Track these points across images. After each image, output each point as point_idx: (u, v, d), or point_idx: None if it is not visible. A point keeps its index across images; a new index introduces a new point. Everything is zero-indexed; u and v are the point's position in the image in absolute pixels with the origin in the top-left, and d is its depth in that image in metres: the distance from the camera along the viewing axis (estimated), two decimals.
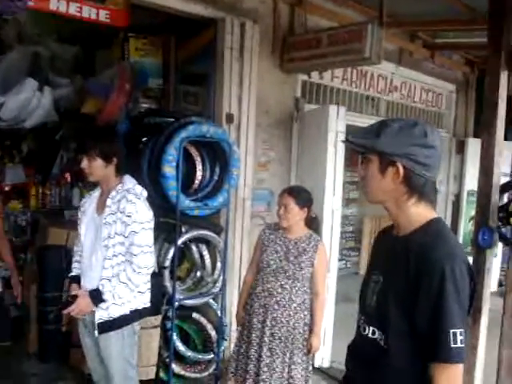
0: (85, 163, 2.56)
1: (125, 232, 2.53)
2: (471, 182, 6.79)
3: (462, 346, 1.37)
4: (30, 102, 4.08)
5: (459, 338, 1.36)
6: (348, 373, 1.75)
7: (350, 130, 4.44)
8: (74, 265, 2.80)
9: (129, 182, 2.65)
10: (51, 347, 4.09)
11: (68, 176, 5.27)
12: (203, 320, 3.98)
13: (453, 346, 1.35)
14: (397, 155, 1.46)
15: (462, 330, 1.37)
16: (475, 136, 7.03)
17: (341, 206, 4.51)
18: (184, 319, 3.92)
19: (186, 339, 3.89)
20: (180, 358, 3.77)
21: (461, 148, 6.86)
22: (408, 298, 1.42)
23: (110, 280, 2.53)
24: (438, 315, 1.36)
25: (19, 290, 3.35)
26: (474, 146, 6.72)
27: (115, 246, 2.54)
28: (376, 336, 1.53)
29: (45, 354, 4.12)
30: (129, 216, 2.51)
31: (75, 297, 2.55)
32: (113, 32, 4.48)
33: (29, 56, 4.24)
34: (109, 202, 2.57)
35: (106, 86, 4.19)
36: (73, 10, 3.26)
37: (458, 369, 1.40)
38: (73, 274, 2.78)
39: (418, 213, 1.51)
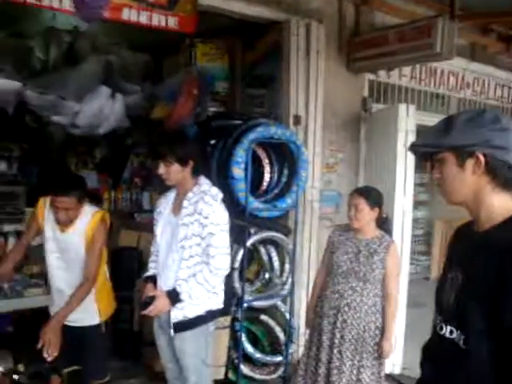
0: (162, 169, 2.58)
1: (202, 233, 2.55)
2: None
3: None
4: (104, 109, 4.25)
5: None
6: (423, 375, 1.67)
7: (420, 129, 4.32)
8: (150, 265, 2.85)
9: (205, 183, 2.67)
10: (124, 345, 4.21)
11: (138, 180, 5.43)
12: (271, 322, 3.98)
13: None
14: (473, 145, 1.39)
15: None
16: None
17: (412, 207, 4.36)
18: (252, 321, 3.94)
19: (254, 341, 3.90)
20: (249, 360, 3.79)
21: None
22: (491, 296, 1.32)
23: (186, 281, 2.56)
24: None
25: None
26: None
27: (192, 247, 2.57)
28: (454, 336, 1.44)
29: (118, 352, 4.25)
30: (206, 217, 2.53)
31: (153, 297, 2.58)
32: (179, 38, 4.59)
33: (102, 65, 4.42)
34: (185, 203, 2.60)
35: (174, 91, 4.29)
36: (143, 18, 3.36)
37: None
38: (149, 273, 2.83)
39: (501, 204, 1.42)
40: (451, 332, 1.45)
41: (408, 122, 4.21)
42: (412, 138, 4.20)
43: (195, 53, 4.53)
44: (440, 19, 3.76)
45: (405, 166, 4.24)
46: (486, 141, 1.38)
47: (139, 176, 5.43)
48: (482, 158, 1.39)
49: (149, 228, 4.47)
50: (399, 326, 4.17)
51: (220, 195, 2.65)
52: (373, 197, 2.97)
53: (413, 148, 1.54)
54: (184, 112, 4.21)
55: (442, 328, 1.49)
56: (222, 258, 2.57)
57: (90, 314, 2.88)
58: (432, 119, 5.20)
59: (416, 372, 3.76)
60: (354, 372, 2.88)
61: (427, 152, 1.49)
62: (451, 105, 5.84)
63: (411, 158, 4.25)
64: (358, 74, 4.68)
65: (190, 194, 2.61)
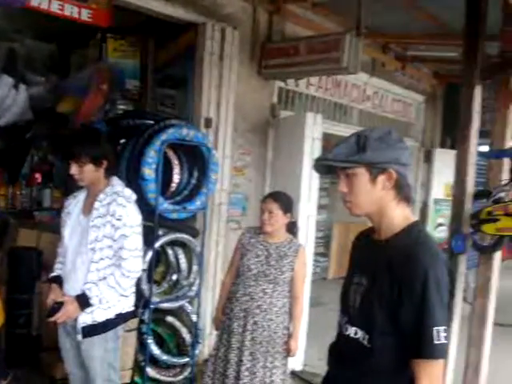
0: (75, 169, 2.49)
1: (114, 235, 2.49)
2: (438, 190, 7.01)
3: (445, 342, 1.44)
4: (5, 100, 3.99)
5: (442, 334, 1.43)
6: (330, 373, 1.79)
7: (325, 137, 4.54)
8: (57, 265, 2.74)
9: (118, 184, 2.61)
10: (20, 352, 3.98)
11: (39, 176, 5.16)
12: (177, 323, 3.97)
13: (436, 342, 1.42)
14: (387, 162, 1.52)
15: (444, 327, 1.44)
16: (442, 146, 7.27)
17: (316, 212, 4.57)
18: (158, 323, 3.90)
19: (160, 343, 3.87)
20: (155, 362, 3.75)
21: (428, 158, 7.07)
22: (392, 299, 1.48)
23: (96, 284, 2.49)
24: (422, 314, 1.43)
25: None
26: (440, 156, 6.96)
27: (103, 249, 2.50)
28: (359, 336, 1.58)
29: (13, 358, 4.00)
30: (119, 219, 2.48)
31: (61, 303, 2.48)
32: (89, 32, 4.44)
33: (4, 52, 4.14)
34: (97, 204, 2.53)
35: (82, 86, 4.14)
36: (55, 7, 3.21)
37: (440, 364, 1.47)
38: (54, 274, 2.71)
39: (400, 216, 1.58)
40: (356, 332, 1.59)
41: (315, 129, 4.41)
42: (318, 146, 4.41)
43: (106, 48, 4.41)
44: (348, 35, 3.98)
45: (310, 172, 4.42)
46: (396, 159, 1.53)
47: (40, 171, 5.15)
48: (394, 174, 1.53)
49: (50, 227, 4.30)
50: (302, 324, 4.35)
51: (133, 197, 2.62)
52: (286, 202, 3.06)
53: (322, 162, 1.60)
54: (92, 108, 4.08)
55: (347, 329, 1.63)
56: (135, 260, 2.53)
57: None
58: (336, 128, 5.52)
59: (316, 368, 3.99)
60: (267, 373, 2.96)
61: (338, 166, 1.57)
62: (353, 115, 6.19)
63: None
64: (268, 80, 4.82)
65: (101, 195, 2.55)
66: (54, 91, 4.44)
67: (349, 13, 4.88)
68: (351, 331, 1.61)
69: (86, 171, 2.51)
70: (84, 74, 4.22)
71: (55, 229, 3.84)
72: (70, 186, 4.49)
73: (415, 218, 1.62)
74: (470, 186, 3.04)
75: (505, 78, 3.33)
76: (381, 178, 1.54)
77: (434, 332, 1.42)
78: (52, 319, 2.49)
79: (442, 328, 1.43)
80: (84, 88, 4.15)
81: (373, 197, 1.56)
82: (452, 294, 1.55)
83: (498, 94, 3.43)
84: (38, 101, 4.39)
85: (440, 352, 1.44)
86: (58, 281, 2.66)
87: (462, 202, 3.03)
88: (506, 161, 3.30)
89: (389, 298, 1.49)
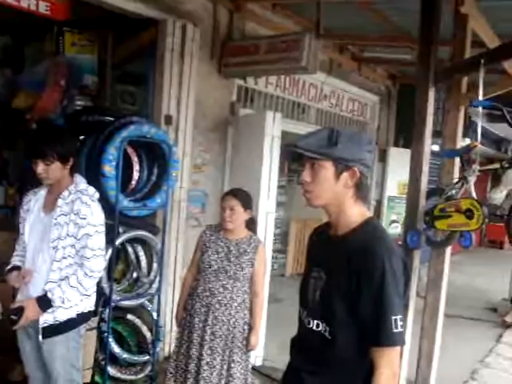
0: (41, 168, 2.43)
1: (77, 234, 2.46)
2: (391, 188, 7.24)
3: (402, 330, 1.52)
4: None
5: (399, 323, 1.51)
6: (292, 365, 1.85)
7: (283, 135, 4.61)
8: (15, 258, 2.66)
9: (81, 182, 2.58)
10: None
11: None
12: (138, 321, 3.95)
13: (394, 330, 1.50)
14: (353, 161, 1.59)
15: (401, 316, 1.52)
16: (395, 145, 7.51)
17: (275, 209, 4.63)
18: (118, 321, 3.87)
19: (120, 341, 3.84)
20: (115, 360, 3.72)
21: (382, 156, 7.28)
22: (351, 291, 1.55)
23: (58, 284, 2.45)
24: (380, 304, 1.50)
25: None
26: (394, 155, 7.19)
27: (65, 248, 2.46)
28: (320, 328, 1.64)
29: None
30: (83, 218, 2.45)
31: (20, 309, 2.41)
32: (46, 24, 4.33)
33: None
34: (60, 202, 2.49)
35: (39, 80, 4.04)
36: None
37: (398, 351, 1.55)
38: (12, 265, 2.63)
39: (357, 213, 1.65)
40: (318, 325, 1.66)
41: (274, 128, 4.47)
42: (278, 144, 4.47)
43: (63, 42, 4.30)
44: (307, 36, 4.07)
45: (269, 169, 4.49)
46: (361, 159, 1.60)
47: None
48: (358, 172, 1.60)
49: (4, 225, 4.18)
50: (262, 320, 4.41)
51: (97, 195, 2.59)
52: (246, 199, 3.11)
53: (293, 148, 1.63)
54: (50, 103, 3.98)
55: (309, 322, 1.70)
56: (98, 260, 2.50)
57: None
58: (294, 126, 5.60)
59: (276, 363, 4.07)
60: (225, 367, 3.01)
61: (306, 156, 1.61)
62: (310, 114, 6.31)
63: (275, 162, 4.52)
64: (228, 78, 4.85)
65: (65, 193, 2.50)
66: (9, 86, 4.30)
67: (308, 14, 4.99)
68: (313, 324, 1.67)
69: (52, 169, 2.46)
70: (40, 69, 4.11)
71: (9, 227, 3.75)
72: (24, 183, 4.39)
73: (370, 214, 1.70)
74: (424, 184, 3.18)
75: (456, 81, 3.48)
76: (345, 175, 1.60)
77: (392, 321, 1.50)
78: (15, 328, 2.44)
79: (398, 317, 1.51)
80: (40, 83, 4.05)
81: (333, 191, 1.62)
82: (407, 286, 1.63)
83: (450, 97, 3.58)
84: None
85: (398, 339, 1.52)
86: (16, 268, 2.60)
87: (417, 200, 3.17)
88: (457, 160, 3.45)
89: (348, 291, 1.56)
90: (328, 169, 1.59)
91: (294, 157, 1.71)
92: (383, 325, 1.50)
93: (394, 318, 1.50)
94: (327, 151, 1.57)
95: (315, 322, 1.66)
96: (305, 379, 1.70)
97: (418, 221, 3.19)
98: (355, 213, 1.65)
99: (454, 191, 3.06)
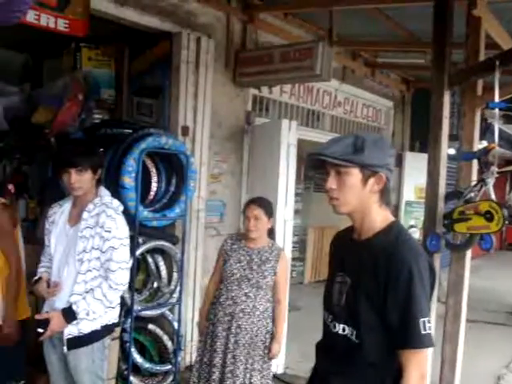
0: (74, 177, 2.47)
1: (102, 247, 2.49)
2: (408, 193, 7.21)
3: (430, 332, 1.52)
4: None
5: (427, 325, 1.51)
6: (318, 370, 1.86)
7: (299, 143, 4.63)
8: (41, 269, 2.70)
9: (106, 195, 2.61)
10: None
11: (12, 187, 5.07)
12: (159, 331, 3.99)
13: (423, 332, 1.50)
14: (380, 166, 1.60)
15: (429, 318, 1.52)
16: (411, 150, 7.48)
17: (292, 216, 4.65)
18: (139, 331, 3.91)
19: (142, 351, 3.87)
20: (137, 370, 3.76)
21: (398, 161, 7.25)
22: (378, 295, 1.56)
23: (83, 296, 2.47)
24: (409, 307, 1.51)
25: None
26: (410, 160, 7.16)
27: (91, 260, 2.49)
28: (346, 332, 1.65)
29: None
30: (108, 231, 2.48)
31: (46, 321, 2.44)
32: (63, 41, 4.43)
33: None
34: (85, 215, 2.52)
35: (58, 95, 4.12)
36: (31, 17, 3.20)
37: (427, 354, 1.57)
38: (38, 276, 2.66)
39: (382, 217, 1.66)
40: (344, 329, 1.66)
41: (290, 136, 4.50)
42: (294, 152, 4.49)
43: (80, 57, 4.40)
44: (320, 44, 4.10)
45: (286, 177, 4.51)
46: (387, 164, 1.62)
47: (13, 182, 5.07)
48: (384, 178, 1.62)
49: (26, 239, 4.24)
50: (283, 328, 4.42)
51: (121, 208, 2.63)
52: (269, 207, 3.13)
53: (319, 157, 1.62)
54: (68, 118, 4.06)
55: (334, 326, 1.70)
56: (123, 272, 2.52)
57: None
58: (309, 134, 5.62)
59: (297, 371, 4.05)
60: (247, 375, 3.01)
61: (331, 163, 1.61)
62: (325, 121, 6.33)
63: (292, 169, 4.54)
64: (242, 88, 4.89)
65: (90, 206, 2.54)
66: (29, 101, 4.40)
67: (320, 22, 5.04)
68: (339, 328, 1.67)
69: (84, 180, 2.51)
70: (59, 84, 4.20)
71: (31, 240, 3.82)
72: (45, 197, 4.47)
73: (393, 218, 1.70)
74: (442, 188, 3.17)
75: (471, 84, 3.48)
76: (371, 180, 1.61)
77: (421, 323, 1.50)
78: (41, 339, 2.48)
79: (427, 319, 1.51)
80: (59, 98, 4.13)
81: (360, 197, 1.63)
82: (433, 288, 1.64)
83: (465, 99, 3.57)
84: (13, 111, 4.34)
85: (427, 341, 1.52)
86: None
87: (435, 203, 3.16)
88: (475, 163, 3.43)
89: (375, 295, 1.57)
90: (355, 175, 1.60)
91: (310, 165, 1.73)
92: (412, 327, 1.50)
93: (422, 320, 1.50)
94: (354, 158, 1.58)
95: (341, 326, 1.67)
96: (332, 382, 1.70)
97: (437, 224, 3.17)
98: (380, 217, 1.66)
99: (472, 194, 3.04)
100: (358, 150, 1.58)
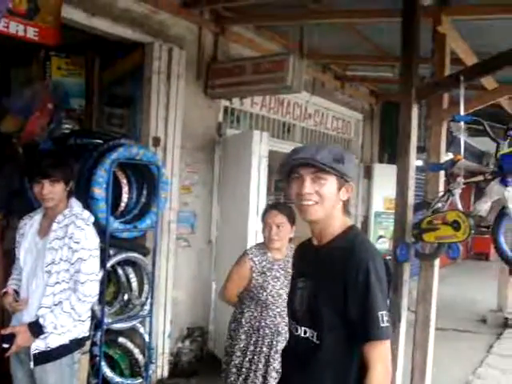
0: (47, 188, 2.46)
1: (71, 258, 2.46)
2: (378, 204, 7.32)
3: (388, 325, 1.62)
4: None
5: (385, 318, 1.61)
6: (284, 372, 1.93)
7: (269, 154, 4.66)
8: (11, 282, 2.64)
9: (76, 205, 2.59)
10: None
11: None
12: (130, 344, 3.93)
13: (382, 325, 1.60)
14: (351, 177, 1.73)
15: (386, 312, 1.62)
16: (380, 161, 7.61)
17: None
18: (110, 344, 3.84)
19: (112, 365, 3.80)
20: None
21: (368, 173, 7.37)
22: (338, 295, 1.64)
23: (51, 309, 2.43)
24: (367, 302, 1.60)
25: None
26: (379, 171, 7.29)
27: (59, 272, 2.45)
28: (308, 335, 1.73)
29: None
30: (77, 242, 2.45)
31: (12, 335, 2.38)
32: (31, 49, 4.37)
33: None
34: (55, 226, 2.49)
35: (27, 104, 4.05)
36: (0, 25, 3.16)
37: (388, 345, 1.65)
38: (8, 288, 2.61)
39: (341, 222, 1.76)
40: (305, 332, 1.74)
41: (261, 147, 4.53)
42: (265, 163, 4.52)
43: (50, 66, 4.35)
44: (292, 56, 4.16)
45: (258, 188, 4.53)
46: (354, 175, 1.75)
47: None
48: (353, 187, 1.76)
49: None
50: None
51: (92, 219, 2.60)
52: (291, 214, 2.82)
53: (310, 161, 1.65)
54: (37, 127, 3.99)
55: (297, 330, 1.78)
56: (92, 284, 2.49)
57: None
58: (280, 145, 5.66)
59: None
60: None
61: (310, 169, 1.66)
62: (296, 133, 6.39)
63: (264, 180, 4.57)
64: (214, 99, 4.91)
65: (60, 217, 2.51)
66: None
67: (291, 34, 5.10)
68: (301, 331, 1.75)
69: (56, 191, 2.49)
70: (28, 93, 4.12)
71: None
72: (12, 208, 4.37)
73: (351, 222, 1.81)
74: (411, 198, 3.24)
75: (437, 98, 3.58)
76: (343, 189, 1.72)
77: (379, 316, 1.60)
78: (7, 355, 2.42)
79: (384, 312, 1.61)
80: (28, 107, 4.05)
81: (333, 204, 1.72)
82: (389, 285, 1.75)
83: (432, 113, 3.67)
84: None
85: (386, 333, 1.61)
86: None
87: (405, 213, 3.22)
88: (442, 174, 3.52)
89: (335, 296, 1.65)
90: (333, 183, 1.69)
91: (285, 169, 1.75)
92: (371, 321, 1.59)
93: (380, 313, 1.60)
94: (337, 167, 1.67)
95: (303, 328, 1.74)
96: (293, 382, 1.78)
97: (407, 234, 3.24)
98: (340, 223, 1.75)
99: (440, 204, 3.11)
100: (340, 160, 1.67)
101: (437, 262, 3.55)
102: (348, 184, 1.72)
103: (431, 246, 3.34)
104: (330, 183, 1.68)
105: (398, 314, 3.24)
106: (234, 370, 2.87)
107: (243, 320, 2.90)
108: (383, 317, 1.60)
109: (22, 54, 4.57)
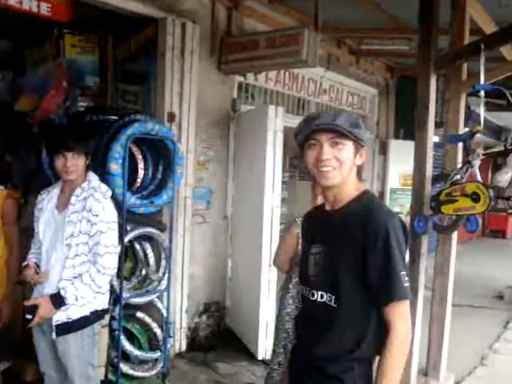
0: (71, 161, 2.49)
1: (90, 231, 2.48)
2: (393, 180, 7.27)
3: (408, 284, 1.62)
4: None
5: (405, 278, 1.61)
6: (299, 338, 1.92)
7: (284, 130, 4.62)
8: (30, 255, 2.69)
9: (94, 179, 2.61)
10: None
11: None
12: (148, 319, 3.97)
13: (405, 285, 1.60)
14: (365, 142, 1.72)
15: (405, 272, 1.62)
16: (395, 137, 7.53)
17: (280, 203, 4.65)
18: (128, 318, 3.89)
19: (131, 338, 3.86)
20: (127, 358, 3.74)
21: (383, 149, 7.30)
22: (356, 258, 1.64)
23: (71, 281, 2.46)
24: (388, 266, 1.59)
25: None
26: (395, 147, 7.22)
27: (78, 245, 2.48)
28: (325, 299, 1.72)
29: None
30: (95, 215, 2.47)
31: (34, 307, 2.42)
32: (46, 27, 4.36)
33: None
34: (73, 199, 2.51)
35: (41, 83, 4.07)
36: (13, 1, 3.16)
37: (408, 305, 1.64)
38: (28, 262, 2.65)
39: (356, 187, 1.76)
40: (322, 296, 1.73)
41: (277, 122, 4.48)
42: (281, 138, 4.48)
43: (64, 44, 4.34)
44: (306, 29, 4.09)
45: (273, 163, 4.50)
46: (368, 140, 1.75)
47: None
48: (368, 152, 1.77)
49: None
50: (270, 314, 4.45)
51: (109, 192, 2.62)
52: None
53: (331, 127, 1.64)
54: (52, 105, 4.00)
55: (313, 295, 1.76)
56: (111, 257, 2.52)
57: None
58: (295, 121, 5.57)
59: None
60: None
61: (328, 134, 1.65)
62: (310, 108, 6.32)
63: (279, 156, 4.53)
64: (228, 75, 4.87)
65: (78, 190, 2.53)
66: (11, 89, 4.33)
67: (305, 8, 5.01)
68: (317, 296, 1.74)
69: (79, 164, 2.53)
70: (42, 71, 4.14)
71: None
72: (29, 186, 4.41)
73: (364, 187, 1.80)
74: (429, 170, 3.20)
75: (456, 69, 3.51)
76: (359, 154, 1.72)
77: (401, 275, 1.60)
78: (29, 326, 2.46)
79: (404, 273, 1.61)
80: (42, 85, 4.07)
81: (351, 168, 1.72)
82: (407, 244, 1.72)
83: (450, 85, 3.60)
84: None
85: (407, 293, 1.61)
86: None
87: (422, 186, 3.19)
88: (460, 146, 3.47)
89: (353, 259, 1.64)
90: (350, 148, 1.68)
91: (305, 135, 1.72)
92: (394, 281, 1.59)
93: (402, 273, 1.60)
94: (355, 132, 1.66)
95: (319, 293, 1.73)
96: (313, 347, 1.75)
97: (425, 206, 3.21)
98: (354, 187, 1.75)
99: (459, 176, 3.08)
100: (356, 125, 1.67)
101: (455, 235, 3.52)
102: (363, 149, 1.72)
103: (449, 218, 3.31)
104: (348, 148, 1.68)
105: (416, 286, 3.23)
106: (284, 334, 2.89)
107: (290, 285, 2.90)
108: (404, 277, 1.60)
109: (36, 33, 4.57)
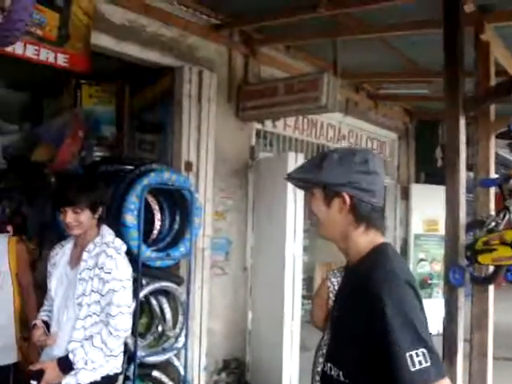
0: (70, 217, 2.31)
1: (102, 290, 2.31)
2: (417, 226, 7.04)
3: (425, 365, 1.23)
4: None
5: (417, 359, 1.22)
6: None
7: None
8: (42, 313, 2.53)
9: (108, 233, 2.45)
10: None
11: (11, 229, 4.92)
12: (164, 378, 3.75)
13: (413, 370, 1.22)
14: (341, 185, 1.40)
15: (418, 349, 1.24)
16: (416, 182, 7.35)
17: (301, 252, 4.48)
18: (143, 378, 3.67)
19: None
20: None
21: (405, 194, 7.11)
22: (359, 328, 1.32)
23: (81, 344, 2.29)
24: (388, 343, 1.24)
25: None
26: (417, 192, 7.02)
27: (90, 305, 2.32)
28: (333, 373, 1.41)
29: None
30: (108, 272, 2.30)
31: (41, 371, 2.24)
32: (63, 79, 4.37)
33: None
34: (85, 255, 2.36)
35: (58, 133, 4.04)
36: (30, 52, 3.13)
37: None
38: (39, 319, 2.48)
39: (367, 241, 1.44)
40: (330, 369, 1.42)
41: None
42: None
43: (81, 94, 4.34)
44: (325, 75, 4.03)
45: (294, 212, 4.36)
46: (352, 182, 1.40)
47: (12, 223, 4.92)
48: (347, 198, 1.40)
49: None
50: (294, 369, 4.21)
51: (124, 247, 2.46)
52: None
53: (287, 179, 1.50)
54: (68, 155, 3.96)
55: (324, 366, 1.46)
56: (124, 317, 2.33)
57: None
58: None
59: None
60: None
61: (299, 186, 1.50)
62: None
63: (300, 204, 4.39)
64: (246, 122, 4.80)
65: (90, 246, 2.37)
66: (28, 139, 4.31)
67: (322, 54, 4.99)
68: (327, 367, 1.45)
69: (83, 219, 2.34)
70: (59, 121, 4.13)
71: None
72: (43, 238, 4.31)
73: (383, 240, 1.47)
74: (463, 217, 3.01)
75: (484, 111, 3.38)
76: (336, 201, 1.42)
77: (407, 358, 1.22)
78: None
79: (414, 352, 1.23)
80: (59, 135, 4.05)
81: (332, 220, 1.44)
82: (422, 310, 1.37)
83: (479, 127, 3.46)
84: (12, 150, 4.25)
85: (421, 378, 1.22)
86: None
87: (456, 233, 3.00)
88: (492, 191, 3.30)
89: (355, 328, 1.34)
90: (317, 196, 1.44)
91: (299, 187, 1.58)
92: (398, 366, 1.22)
93: (408, 354, 1.22)
94: (311, 176, 1.42)
95: (328, 365, 1.44)
96: None
97: (460, 256, 3.00)
98: (363, 240, 1.44)
99: (495, 223, 2.88)
100: (318, 167, 1.41)
101: (491, 286, 3.29)
102: (340, 194, 1.40)
103: (486, 268, 3.09)
104: (315, 197, 1.44)
105: (455, 344, 2.97)
106: None
107: (322, 343, 2.73)
108: (413, 358, 1.21)
109: (54, 84, 4.60)
